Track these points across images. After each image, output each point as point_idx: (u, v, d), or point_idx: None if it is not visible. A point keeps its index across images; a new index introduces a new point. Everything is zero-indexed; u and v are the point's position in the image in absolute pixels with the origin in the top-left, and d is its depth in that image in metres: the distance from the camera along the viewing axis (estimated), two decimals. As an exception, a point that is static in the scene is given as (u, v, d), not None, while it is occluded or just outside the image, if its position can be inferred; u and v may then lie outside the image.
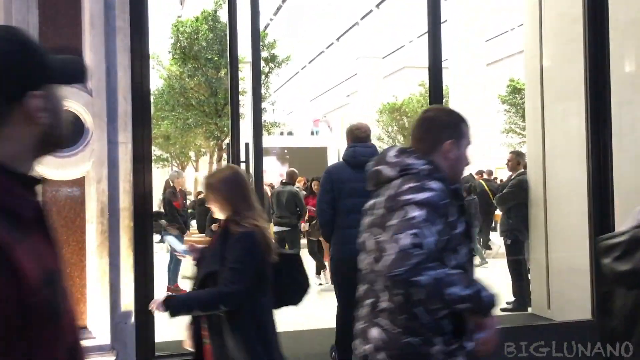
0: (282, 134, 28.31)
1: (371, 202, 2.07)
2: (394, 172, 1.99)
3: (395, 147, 2.11)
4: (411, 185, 1.87)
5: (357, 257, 2.18)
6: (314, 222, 5.93)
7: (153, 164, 16.68)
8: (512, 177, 6.68)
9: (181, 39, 9.77)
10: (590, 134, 4.74)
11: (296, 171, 8.76)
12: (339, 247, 4.13)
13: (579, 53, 4.94)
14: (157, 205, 15.55)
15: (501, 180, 11.69)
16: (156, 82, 11.75)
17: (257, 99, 4.25)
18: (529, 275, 6.41)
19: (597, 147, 4.70)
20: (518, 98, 14.41)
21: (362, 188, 2.42)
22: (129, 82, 3.64)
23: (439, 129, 2.05)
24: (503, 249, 7.24)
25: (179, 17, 11.07)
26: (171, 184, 8.78)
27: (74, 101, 3.37)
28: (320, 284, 8.09)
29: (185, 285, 8.33)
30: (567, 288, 5.38)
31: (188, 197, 12.59)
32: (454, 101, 15.96)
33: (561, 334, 4.58)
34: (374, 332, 1.94)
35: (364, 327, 2.00)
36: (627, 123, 4.82)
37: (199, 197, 13.76)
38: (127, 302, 3.57)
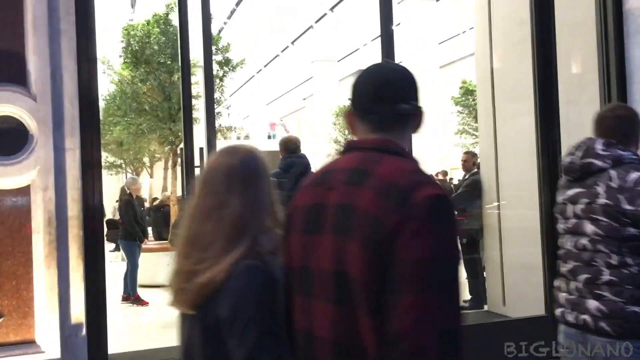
0: (238, 138, 28.10)
1: (571, 192, 2.42)
2: (605, 163, 2.30)
3: (598, 140, 2.39)
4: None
5: None
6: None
7: (106, 170, 16.31)
8: (466, 177, 6.79)
9: (132, 42, 9.56)
10: (540, 132, 4.85)
11: None
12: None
13: (527, 54, 5.05)
14: (110, 213, 15.22)
15: (458, 181, 11.89)
16: (107, 87, 11.47)
17: (210, 102, 4.19)
18: (484, 273, 6.52)
19: (547, 145, 4.80)
20: (470, 99, 14.69)
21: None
22: (75, 87, 3.51)
23: (637, 125, 2.46)
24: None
25: (130, 20, 10.85)
26: (127, 191, 8.57)
27: (16, 106, 3.24)
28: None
29: (146, 295, 8.16)
30: (521, 285, 5.48)
31: (146, 204, 12.34)
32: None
33: (516, 330, 4.66)
34: (593, 304, 2.27)
35: (577, 299, 2.35)
36: (574, 122, 4.95)
37: (155, 203, 13.53)
38: (78, 313, 3.44)
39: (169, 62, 9.56)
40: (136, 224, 8.14)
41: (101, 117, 8.64)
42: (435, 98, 16.70)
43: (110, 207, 15.37)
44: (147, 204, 13.94)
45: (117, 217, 14.71)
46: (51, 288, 3.29)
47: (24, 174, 3.27)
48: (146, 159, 16.45)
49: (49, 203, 3.31)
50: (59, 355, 3.29)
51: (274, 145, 24.57)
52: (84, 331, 3.47)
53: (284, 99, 29.75)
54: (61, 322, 3.32)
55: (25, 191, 3.29)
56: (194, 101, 4.75)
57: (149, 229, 11.68)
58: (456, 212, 9.74)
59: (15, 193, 3.28)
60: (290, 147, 5.25)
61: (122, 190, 8.54)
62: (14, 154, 3.24)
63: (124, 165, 17.38)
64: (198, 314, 1.56)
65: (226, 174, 1.61)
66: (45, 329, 3.27)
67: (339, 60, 22.33)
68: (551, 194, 4.73)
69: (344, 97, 20.59)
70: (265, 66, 21.93)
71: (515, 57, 5.56)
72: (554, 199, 4.71)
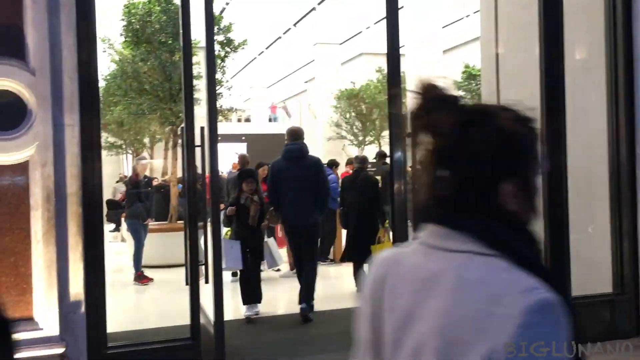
0: (239, 120, 28.02)
1: None
2: None
3: None
4: None
5: (294, 221, 5.27)
6: (271, 209, 6.08)
7: (106, 151, 16.23)
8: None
9: (133, 21, 9.44)
10: (545, 118, 4.79)
11: (246, 155, 8.74)
12: (284, 216, 6.02)
13: (534, 38, 4.98)
14: (110, 193, 15.19)
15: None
16: (108, 66, 11.36)
17: (212, 81, 4.13)
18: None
19: (552, 131, 4.75)
20: (473, 84, 14.58)
21: (293, 175, 5.36)
22: (75, 62, 3.46)
23: None
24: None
25: (130, -2, 10.72)
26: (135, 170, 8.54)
27: (14, 81, 3.19)
28: (278, 269, 8.08)
29: (153, 273, 8.18)
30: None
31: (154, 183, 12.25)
32: (411, 88, 16.04)
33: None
34: None
35: None
36: (579, 108, 4.90)
37: (155, 184, 13.48)
38: (77, 291, 3.43)
39: (169, 42, 9.45)
40: (140, 203, 8.12)
41: (101, 97, 8.57)
42: (437, 82, 16.59)
43: (110, 187, 15.32)
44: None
45: (117, 197, 14.72)
46: (50, 265, 3.27)
47: (23, 149, 3.23)
48: (146, 140, 16.36)
49: (47, 179, 3.27)
50: (57, 333, 3.27)
51: (275, 128, 24.45)
52: (82, 309, 3.45)
53: (286, 82, 29.58)
54: (60, 299, 3.30)
55: (23, 167, 3.25)
56: (194, 81, 4.69)
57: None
58: None
59: (13, 169, 3.24)
60: (292, 135, 6.13)
61: (134, 169, 8.56)
62: (13, 129, 3.20)
63: (124, 146, 17.30)
64: None
65: None
66: (44, 306, 3.25)
67: (341, 43, 22.15)
68: (556, 181, 4.71)
69: (346, 81, 20.48)
70: (267, 48, 21.75)
71: (521, 41, 5.49)
72: (557, 186, 4.71)
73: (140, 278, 8.07)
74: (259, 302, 5.97)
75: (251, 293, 5.91)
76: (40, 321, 3.24)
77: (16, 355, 3.14)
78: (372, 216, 6.73)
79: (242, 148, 21.73)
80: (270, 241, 6.71)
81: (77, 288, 3.43)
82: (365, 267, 7.36)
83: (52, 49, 3.34)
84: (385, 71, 18.17)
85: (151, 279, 8.12)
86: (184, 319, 4.28)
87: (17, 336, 3.14)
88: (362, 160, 7.68)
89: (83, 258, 3.46)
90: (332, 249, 9.33)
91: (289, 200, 5.85)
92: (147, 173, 15.27)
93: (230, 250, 5.82)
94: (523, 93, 5.40)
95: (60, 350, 3.27)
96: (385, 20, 4.57)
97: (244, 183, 6.06)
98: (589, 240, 4.96)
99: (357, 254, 6.93)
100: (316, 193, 5.86)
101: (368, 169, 7.59)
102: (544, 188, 4.76)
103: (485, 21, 6.19)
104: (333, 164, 10.60)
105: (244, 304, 5.89)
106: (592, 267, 4.91)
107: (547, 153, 4.76)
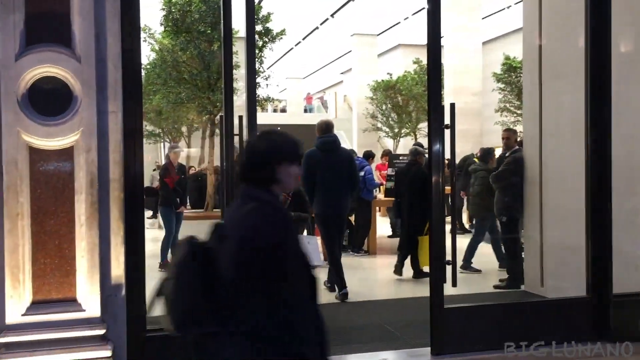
0: (275, 110, 28.12)
1: None
2: None
3: None
4: None
5: (329, 211, 5.31)
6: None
7: (145, 139, 16.58)
8: (507, 155, 6.63)
9: (173, 11, 9.57)
10: (590, 111, 4.68)
11: None
12: (318, 206, 6.16)
13: (579, 28, 4.85)
14: (148, 181, 15.46)
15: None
16: (148, 55, 11.54)
17: (252, 70, 4.14)
18: (522, 253, 6.40)
19: (596, 124, 4.64)
20: (513, 76, 14.29)
21: (328, 165, 5.59)
22: (119, 49, 3.52)
23: None
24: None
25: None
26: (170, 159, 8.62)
27: (61, 67, 3.26)
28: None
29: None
30: (561, 266, 5.36)
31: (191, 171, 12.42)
32: (449, 80, 15.86)
33: (555, 310, 4.58)
34: None
35: None
36: (623, 101, 4.76)
37: (192, 173, 13.67)
38: (118, 274, 3.50)
39: (208, 31, 9.54)
40: (173, 191, 8.19)
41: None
42: (477, 75, 16.35)
43: (148, 175, 15.60)
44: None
45: (155, 184, 14.97)
46: (92, 248, 3.34)
47: (68, 135, 3.30)
48: (184, 128, 16.58)
49: (91, 165, 3.34)
50: (98, 314, 3.35)
51: (310, 119, 24.54)
52: (123, 292, 3.53)
53: (322, 72, 29.53)
54: (101, 282, 3.38)
55: (69, 152, 3.32)
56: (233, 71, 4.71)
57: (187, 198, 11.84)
58: (461, 191, 9.57)
59: (59, 154, 3.31)
60: (324, 128, 6.30)
61: (167, 158, 8.57)
62: (59, 114, 3.27)
63: (162, 134, 17.57)
64: None
65: None
66: (86, 288, 3.33)
67: (378, 34, 22.00)
68: (599, 174, 4.59)
69: (382, 72, 20.35)
70: (303, 39, 21.74)
71: (566, 31, 5.35)
72: (601, 180, 4.60)
73: (165, 266, 8.09)
74: None
75: None
76: (83, 302, 3.32)
77: (63, 334, 3.22)
78: (422, 208, 6.75)
79: (277, 138, 21.77)
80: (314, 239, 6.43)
81: (118, 271, 3.50)
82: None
83: (97, 36, 3.40)
84: (423, 63, 18.02)
85: None
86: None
87: (61, 316, 3.23)
88: (415, 152, 7.65)
89: (124, 242, 3.53)
90: (366, 241, 9.31)
91: (324, 189, 6.05)
92: (184, 162, 15.47)
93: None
94: (566, 85, 5.27)
95: (101, 331, 3.35)
96: (424, 10, 4.51)
97: None
98: (631, 236, 4.83)
99: (407, 244, 7.28)
100: (350, 183, 6.19)
101: (420, 162, 7.46)
102: (588, 180, 4.65)
103: (529, 11, 6.05)
104: (369, 155, 10.56)
105: None
106: (634, 265, 4.78)
107: (591, 146, 4.65)
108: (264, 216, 1.95)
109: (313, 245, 5.53)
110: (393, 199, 9.90)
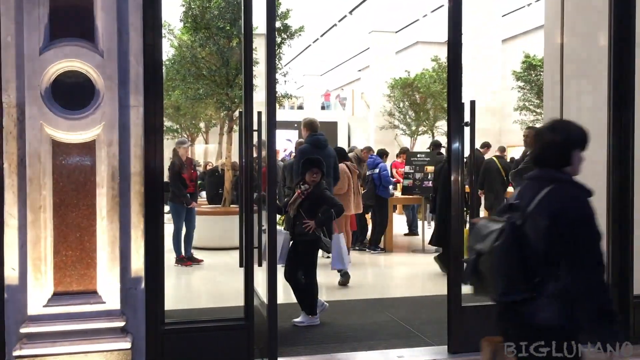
0: (292, 108, 28.13)
1: None
2: None
3: None
4: None
5: None
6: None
7: (163, 134, 16.63)
8: (529, 153, 6.57)
9: (193, 7, 9.60)
10: (612, 111, 4.62)
11: (303, 142, 8.65)
12: None
13: (602, 26, 4.78)
14: (165, 176, 15.60)
15: (512, 159, 11.56)
16: (167, 51, 11.59)
17: (272, 66, 4.14)
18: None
19: (619, 124, 4.58)
20: (533, 75, 14.14)
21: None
22: (140, 45, 3.54)
23: None
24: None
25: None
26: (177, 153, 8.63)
27: (84, 62, 3.29)
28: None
29: (200, 254, 8.36)
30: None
31: (198, 168, 12.52)
32: (468, 77, 15.74)
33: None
34: None
35: None
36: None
37: (209, 168, 13.74)
38: (138, 267, 3.53)
39: (227, 28, 9.55)
40: (185, 187, 8.17)
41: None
42: (496, 73, 16.22)
43: (165, 170, 15.72)
44: (200, 168, 14.18)
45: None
46: (113, 242, 3.37)
47: (90, 128, 3.33)
48: (202, 124, 16.63)
49: (113, 159, 3.38)
50: (118, 307, 3.39)
51: (327, 116, 24.35)
52: (142, 285, 3.56)
53: (339, 69, 29.48)
54: (122, 275, 3.41)
55: (90, 146, 3.36)
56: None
57: (203, 193, 11.90)
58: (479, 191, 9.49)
59: (81, 147, 3.35)
60: (317, 126, 6.82)
61: (174, 152, 8.54)
62: (81, 108, 3.31)
63: (179, 130, 17.65)
64: None
65: None
66: (107, 281, 3.36)
67: (397, 32, 21.91)
68: (620, 175, 4.54)
69: (400, 70, 20.26)
70: (322, 35, 21.72)
71: (588, 30, 5.28)
72: (623, 180, 4.54)
73: (182, 261, 8.12)
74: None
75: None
76: (103, 295, 3.36)
77: (83, 326, 3.26)
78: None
79: (294, 135, 21.89)
80: (338, 238, 5.99)
81: (138, 264, 3.53)
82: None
83: (119, 31, 3.43)
84: (441, 60, 17.80)
85: (200, 261, 8.21)
86: (235, 301, 4.36)
87: (82, 308, 3.27)
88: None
89: (144, 235, 3.56)
90: (382, 238, 9.30)
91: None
92: (201, 158, 15.49)
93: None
94: (588, 84, 5.20)
95: (120, 323, 3.39)
96: (443, 8, 4.47)
97: (308, 173, 5.26)
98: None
99: (442, 240, 7.34)
100: (335, 176, 6.84)
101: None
102: (609, 181, 4.59)
103: (550, 8, 5.97)
104: (383, 154, 10.55)
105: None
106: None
107: (613, 147, 4.59)
108: (570, 193, 2.29)
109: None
110: (409, 196, 9.91)
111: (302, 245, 5.28)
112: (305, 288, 5.25)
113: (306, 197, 5.25)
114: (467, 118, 4.29)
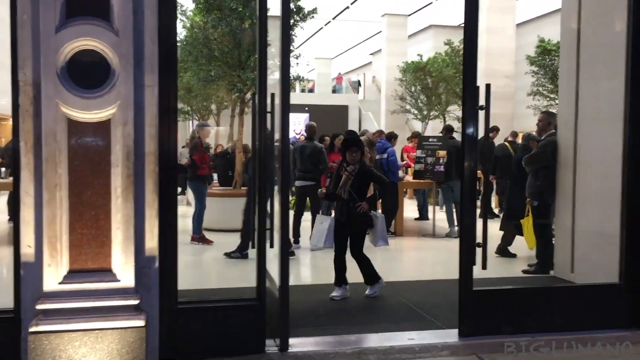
0: (303, 91, 28.05)
1: None
2: None
3: None
4: None
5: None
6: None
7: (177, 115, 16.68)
8: (542, 138, 6.52)
9: (205, -12, 9.56)
10: (630, 96, 4.57)
11: (315, 124, 8.66)
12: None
13: (620, 12, 4.71)
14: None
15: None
16: (180, 32, 11.57)
17: (286, 48, 4.12)
18: (553, 238, 6.33)
19: (636, 110, 4.53)
20: (547, 59, 13.97)
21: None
22: (155, 24, 3.53)
23: None
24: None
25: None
26: (197, 135, 8.72)
27: (99, 41, 3.29)
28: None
29: (209, 235, 8.44)
30: (593, 252, 5.29)
31: (211, 150, 12.57)
32: (482, 62, 15.59)
33: (585, 296, 4.53)
34: None
35: None
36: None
37: (220, 150, 13.75)
38: (152, 246, 3.56)
39: (240, 9, 9.50)
40: (200, 168, 8.32)
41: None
42: (509, 57, 16.06)
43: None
44: (212, 151, 14.22)
45: (183, 162, 15.13)
46: (127, 220, 3.40)
47: (105, 108, 3.34)
48: (213, 106, 16.64)
49: (127, 138, 3.39)
50: (132, 285, 3.42)
51: (338, 100, 24.39)
52: (156, 264, 3.58)
53: (351, 53, 29.31)
54: (136, 253, 3.44)
55: (105, 125, 3.36)
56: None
57: (214, 175, 11.97)
58: (491, 176, 9.42)
59: (96, 126, 3.36)
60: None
61: (192, 133, 8.71)
62: (97, 87, 3.31)
63: (191, 112, 17.66)
64: None
65: None
66: (121, 259, 3.39)
67: (409, 15, 21.70)
68: (636, 161, 4.50)
69: (412, 54, 20.10)
70: (333, 18, 21.57)
71: (605, 16, 5.20)
72: (638, 165, 4.50)
73: (203, 240, 8.31)
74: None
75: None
76: (118, 273, 3.39)
77: (98, 303, 3.30)
78: (521, 190, 6.70)
79: (304, 118, 21.85)
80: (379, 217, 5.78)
81: (152, 243, 3.56)
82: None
83: (134, 10, 3.42)
84: (455, 44, 17.62)
85: (210, 241, 8.34)
86: (246, 282, 4.39)
87: (96, 286, 3.30)
88: (528, 137, 7.42)
89: (158, 215, 3.58)
90: (393, 222, 9.30)
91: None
92: (213, 140, 15.50)
93: (319, 227, 5.60)
94: (605, 71, 5.14)
95: (135, 302, 3.42)
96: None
97: (348, 152, 5.37)
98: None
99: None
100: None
101: (531, 147, 7.03)
102: (625, 166, 4.56)
103: (568, -8, 5.90)
104: (392, 137, 10.46)
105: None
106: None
107: (630, 133, 4.55)
108: None
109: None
110: (420, 180, 9.88)
111: (357, 227, 5.46)
112: (367, 263, 5.50)
113: (355, 176, 5.32)
114: (481, 102, 4.25)
